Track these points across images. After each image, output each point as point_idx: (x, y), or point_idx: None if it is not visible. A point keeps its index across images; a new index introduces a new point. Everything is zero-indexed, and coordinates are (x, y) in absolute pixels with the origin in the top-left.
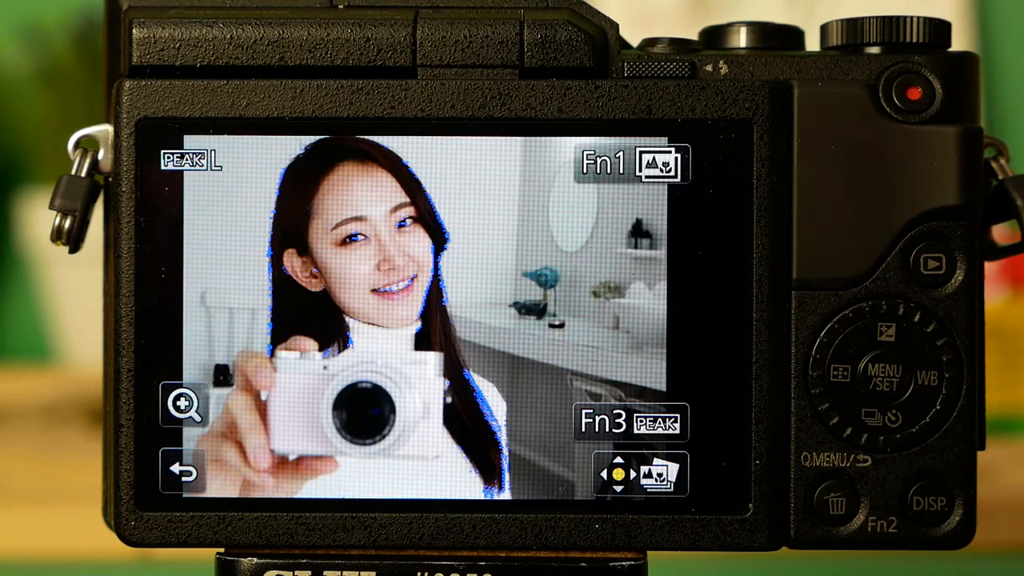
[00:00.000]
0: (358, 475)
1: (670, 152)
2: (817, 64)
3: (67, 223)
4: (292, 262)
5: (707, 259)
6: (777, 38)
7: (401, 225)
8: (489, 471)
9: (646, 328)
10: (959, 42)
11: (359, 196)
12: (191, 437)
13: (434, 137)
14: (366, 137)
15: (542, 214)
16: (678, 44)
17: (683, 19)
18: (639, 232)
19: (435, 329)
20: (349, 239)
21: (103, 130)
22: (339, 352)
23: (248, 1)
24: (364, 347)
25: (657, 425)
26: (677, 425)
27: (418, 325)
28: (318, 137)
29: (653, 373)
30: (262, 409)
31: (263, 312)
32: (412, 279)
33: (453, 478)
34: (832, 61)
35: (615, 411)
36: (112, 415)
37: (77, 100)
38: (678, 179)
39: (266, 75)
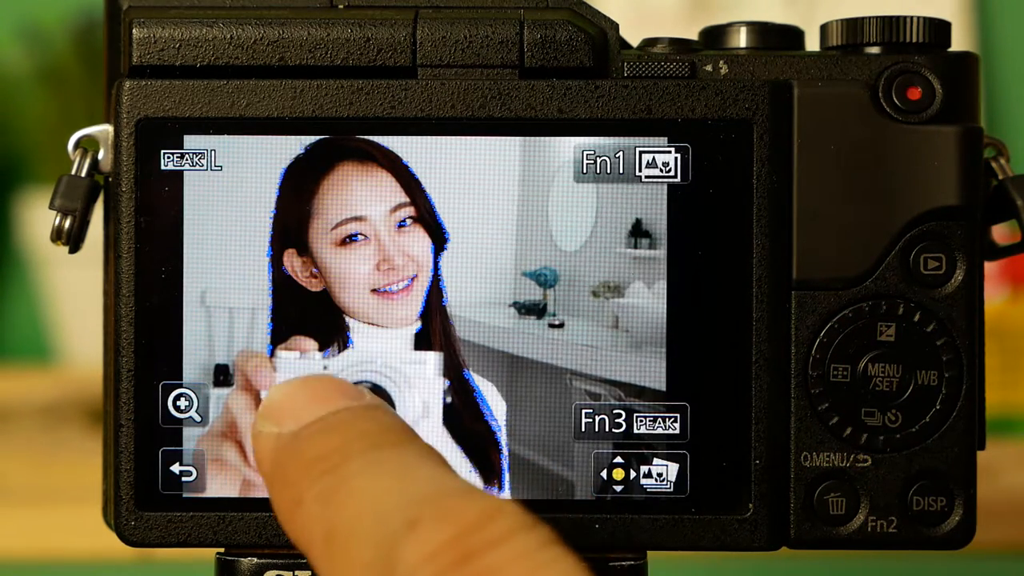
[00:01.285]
0: None
1: (670, 152)
2: (817, 64)
3: (67, 223)
4: (292, 262)
5: (707, 259)
6: (777, 38)
7: (401, 225)
8: (489, 471)
9: (646, 328)
10: (959, 42)
11: (359, 196)
12: (191, 437)
13: (434, 137)
14: (366, 137)
15: (542, 214)
16: (678, 44)
17: (683, 19)
18: (639, 232)
19: (435, 329)
20: (349, 239)
21: (103, 130)
22: (339, 352)
23: (248, 1)
24: (364, 347)
25: (657, 425)
26: (677, 425)
27: (418, 325)
28: (318, 137)
29: (653, 373)
30: None
31: (263, 312)
32: (412, 279)
33: None
34: (832, 61)
35: (615, 411)
36: (112, 415)
37: (77, 100)
38: (678, 179)
39: (266, 75)
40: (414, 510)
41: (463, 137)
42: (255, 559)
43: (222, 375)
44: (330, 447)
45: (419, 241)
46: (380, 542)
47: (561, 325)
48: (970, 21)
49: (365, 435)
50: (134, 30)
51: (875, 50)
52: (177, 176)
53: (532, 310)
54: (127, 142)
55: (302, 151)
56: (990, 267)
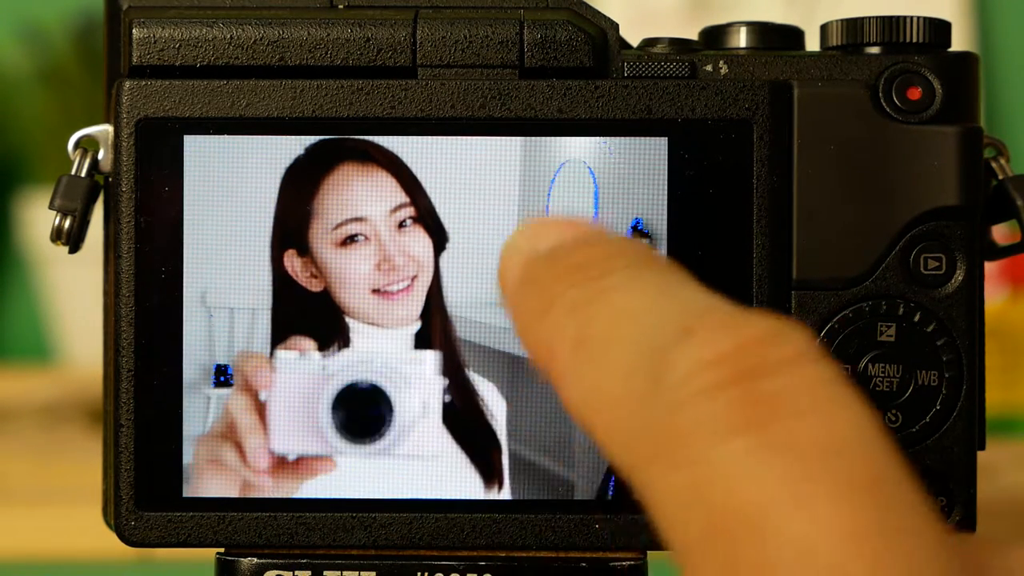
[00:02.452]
0: (357, 475)
1: (669, 152)
2: (817, 64)
3: (67, 223)
4: (292, 262)
5: (707, 259)
6: (777, 38)
7: (401, 225)
8: (489, 471)
9: None
10: (959, 42)
11: (359, 196)
12: (191, 437)
13: (434, 137)
14: (366, 137)
15: (542, 214)
16: (678, 44)
17: (683, 19)
18: (639, 232)
19: (435, 328)
20: (349, 239)
21: (103, 130)
22: (338, 352)
23: (248, 1)
24: (363, 347)
25: None
26: None
27: (418, 325)
28: (318, 137)
29: None
30: (261, 409)
31: (263, 312)
32: (412, 279)
33: (453, 478)
34: (832, 61)
35: None
36: (112, 415)
37: (77, 100)
38: (678, 179)
39: (266, 75)
40: (688, 318)
41: (463, 137)
42: (255, 559)
43: (222, 375)
44: (589, 258)
45: (419, 241)
46: (646, 346)
47: None
48: (970, 21)
49: (625, 253)
50: (134, 30)
51: (875, 50)
52: (177, 176)
53: None
54: (127, 142)
55: (302, 151)
56: (990, 267)
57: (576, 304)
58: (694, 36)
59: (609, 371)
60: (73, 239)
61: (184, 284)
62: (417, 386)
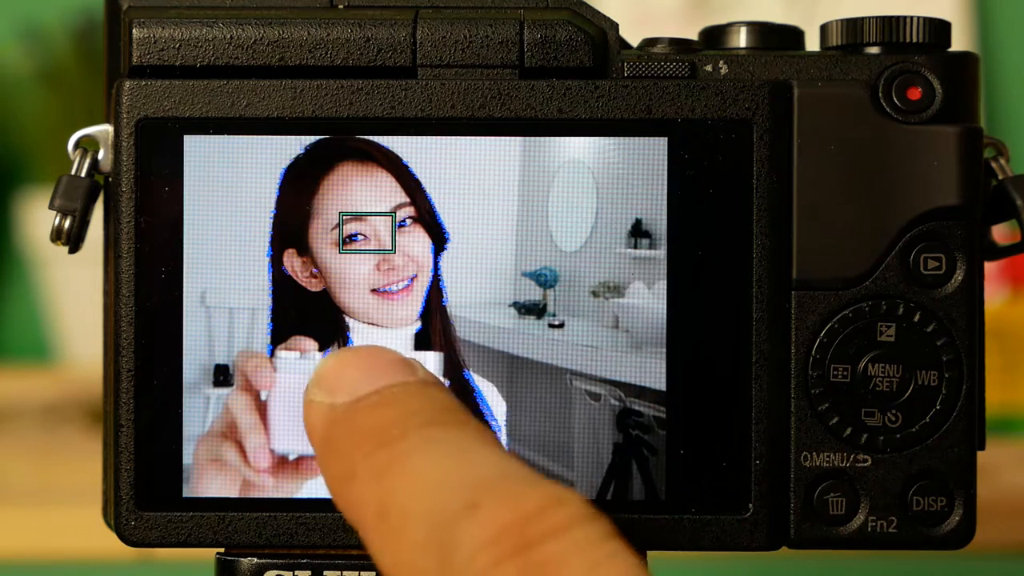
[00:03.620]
0: None
1: (669, 152)
2: (817, 64)
3: (67, 223)
4: (292, 262)
5: (707, 259)
6: (777, 38)
7: (401, 225)
8: None
9: (646, 328)
10: (959, 42)
11: (359, 196)
12: (191, 437)
13: (434, 137)
14: (366, 137)
15: (542, 214)
16: (678, 44)
17: (683, 19)
18: (639, 232)
19: (435, 329)
20: (349, 239)
21: (103, 130)
22: None
23: (248, 1)
24: None
25: (657, 425)
26: (677, 425)
27: (418, 325)
28: (318, 137)
29: (653, 373)
30: (262, 409)
31: (263, 312)
32: (412, 279)
33: None
34: (832, 61)
35: (615, 411)
36: (112, 415)
37: (77, 100)
38: (678, 179)
39: (266, 75)
40: (473, 492)
41: (463, 137)
42: (255, 559)
43: (222, 375)
44: (385, 421)
45: (419, 241)
46: (436, 522)
47: (561, 325)
48: (970, 21)
49: (421, 411)
50: (134, 30)
51: (875, 50)
52: (177, 176)
53: (532, 310)
54: (127, 142)
55: (302, 151)
56: (990, 267)
57: (376, 471)
58: (694, 36)
59: (407, 546)
60: (73, 239)
61: (184, 284)
62: None
